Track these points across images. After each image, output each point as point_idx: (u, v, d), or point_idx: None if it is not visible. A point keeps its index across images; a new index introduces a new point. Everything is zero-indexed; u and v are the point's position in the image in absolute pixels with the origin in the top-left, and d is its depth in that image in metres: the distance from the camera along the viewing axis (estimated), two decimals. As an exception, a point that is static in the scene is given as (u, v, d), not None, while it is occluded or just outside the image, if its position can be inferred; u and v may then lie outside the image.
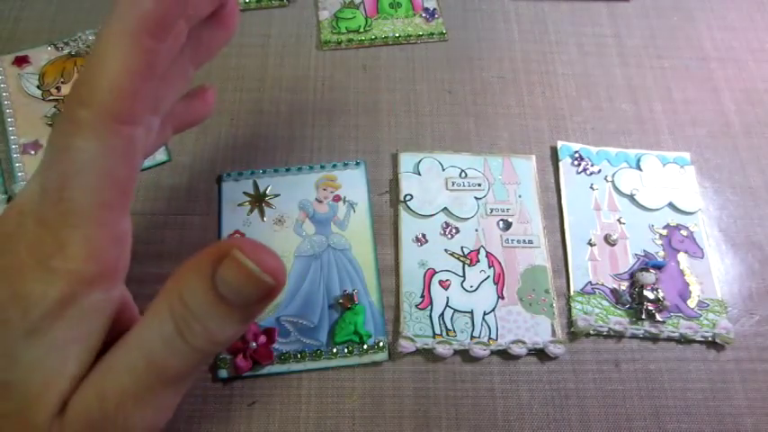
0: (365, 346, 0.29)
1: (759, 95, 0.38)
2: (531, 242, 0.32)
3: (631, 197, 0.33)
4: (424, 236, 0.32)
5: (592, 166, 0.34)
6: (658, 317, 0.30)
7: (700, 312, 0.30)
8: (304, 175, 0.33)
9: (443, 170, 0.34)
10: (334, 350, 0.29)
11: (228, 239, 0.23)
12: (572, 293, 0.31)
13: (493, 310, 0.30)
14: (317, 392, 0.28)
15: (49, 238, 0.18)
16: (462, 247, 0.31)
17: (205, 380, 0.28)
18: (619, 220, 0.33)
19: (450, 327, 0.29)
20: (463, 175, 0.34)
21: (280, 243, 0.31)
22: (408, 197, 0.32)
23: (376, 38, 0.39)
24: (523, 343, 0.29)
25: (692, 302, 0.31)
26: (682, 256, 0.32)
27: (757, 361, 0.30)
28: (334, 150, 0.34)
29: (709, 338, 0.30)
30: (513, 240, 0.32)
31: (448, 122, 0.36)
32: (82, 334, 0.19)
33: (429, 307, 0.30)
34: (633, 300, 0.30)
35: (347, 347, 0.29)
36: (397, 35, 0.39)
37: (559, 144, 0.35)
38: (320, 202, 0.33)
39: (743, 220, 0.34)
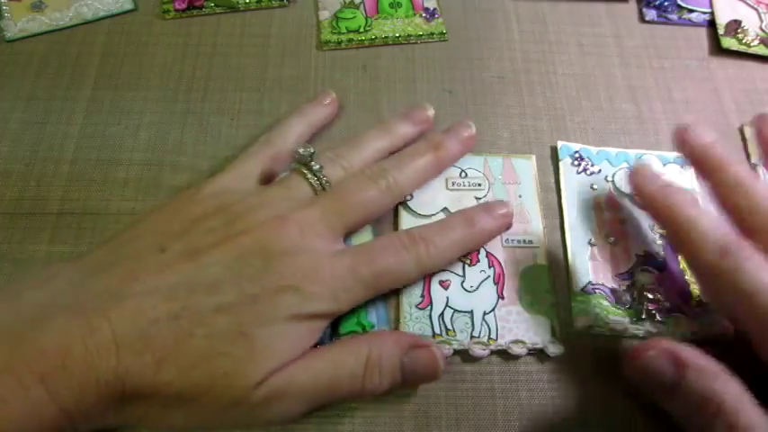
0: None
1: (759, 95, 0.38)
2: (531, 242, 0.32)
3: (632, 197, 0.33)
4: None
5: (592, 165, 0.34)
6: (659, 317, 0.30)
7: (701, 312, 0.30)
8: None
9: None
10: None
11: (419, 339, 0.28)
12: (572, 293, 0.31)
13: (493, 309, 0.30)
14: (317, 392, 0.28)
15: None
16: None
17: (205, 380, 0.28)
18: (620, 220, 0.33)
19: (449, 327, 0.29)
20: (463, 174, 0.33)
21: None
22: (408, 197, 0.32)
23: (376, 38, 0.39)
24: (523, 343, 0.29)
25: (692, 302, 0.31)
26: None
27: (757, 361, 0.30)
28: (334, 150, 0.34)
29: (710, 339, 0.30)
30: (513, 240, 0.32)
31: (448, 122, 0.36)
32: (301, 338, 0.25)
33: (429, 307, 0.30)
34: (633, 300, 0.30)
35: None
36: (397, 35, 0.39)
37: (559, 144, 0.35)
38: None
39: (743, 219, 0.34)
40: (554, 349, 0.29)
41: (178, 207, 0.28)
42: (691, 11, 0.41)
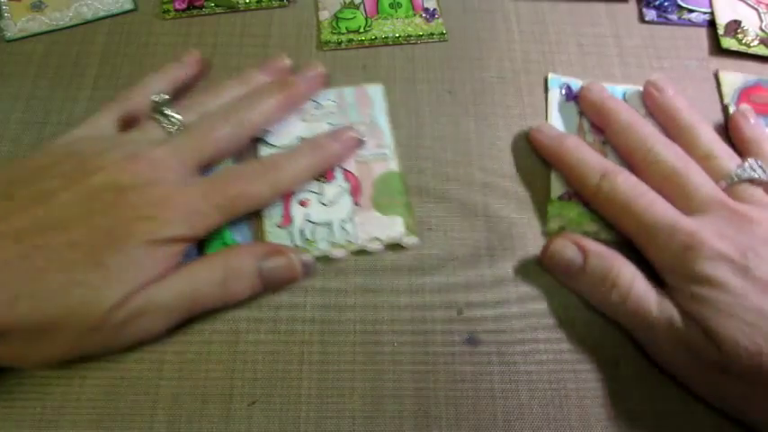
0: None
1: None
2: (384, 154, 0.34)
3: None
4: None
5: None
6: None
7: None
8: None
9: None
10: None
11: (275, 246, 0.30)
12: (549, 201, 0.33)
13: (350, 217, 0.32)
14: (317, 392, 0.28)
15: None
16: None
17: (206, 379, 0.28)
18: (602, 142, 0.34)
19: (310, 238, 0.31)
20: (318, 107, 0.35)
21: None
22: (264, 132, 0.34)
23: (376, 38, 0.39)
24: (379, 240, 0.31)
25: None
26: None
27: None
28: (334, 150, 0.34)
29: None
30: (366, 155, 0.34)
31: (448, 122, 0.36)
32: (158, 262, 0.26)
33: (290, 225, 0.31)
34: None
35: None
36: (397, 35, 0.39)
37: (550, 76, 0.37)
38: None
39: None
40: (408, 240, 0.31)
41: (27, 160, 0.29)
42: (690, 11, 0.41)
